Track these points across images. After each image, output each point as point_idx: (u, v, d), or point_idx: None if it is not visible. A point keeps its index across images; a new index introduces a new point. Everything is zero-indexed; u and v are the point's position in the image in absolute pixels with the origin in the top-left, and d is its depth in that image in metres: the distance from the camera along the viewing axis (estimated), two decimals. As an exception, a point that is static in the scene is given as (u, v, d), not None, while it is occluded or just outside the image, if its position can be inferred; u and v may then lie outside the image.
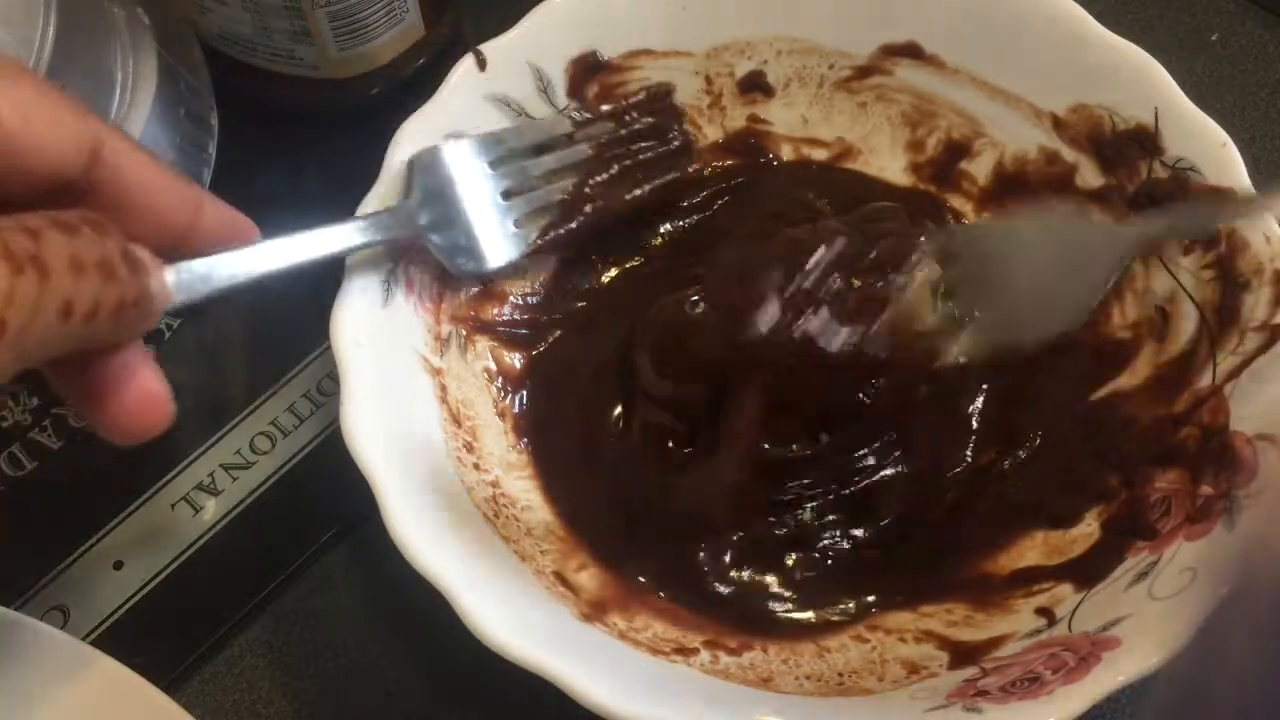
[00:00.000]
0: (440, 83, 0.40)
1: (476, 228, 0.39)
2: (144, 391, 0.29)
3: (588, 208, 0.41)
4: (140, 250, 0.28)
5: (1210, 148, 0.38)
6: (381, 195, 0.38)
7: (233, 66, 0.44)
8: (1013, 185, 0.43)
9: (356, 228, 0.36)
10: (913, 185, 0.44)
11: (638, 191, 0.42)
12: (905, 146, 0.44)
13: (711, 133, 0.44)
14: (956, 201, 0.44)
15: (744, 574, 0.38)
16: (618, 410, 0.40)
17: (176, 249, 0.30)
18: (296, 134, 0.46)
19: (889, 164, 0.44)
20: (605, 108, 0.42)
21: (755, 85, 0.44)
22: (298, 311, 0.42)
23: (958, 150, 0.43)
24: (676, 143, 0.43)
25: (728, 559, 0.38)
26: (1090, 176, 0.41)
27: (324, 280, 0.37)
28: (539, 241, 0.40)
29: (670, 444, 0.39)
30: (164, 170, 0.29)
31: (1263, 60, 0.50)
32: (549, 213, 0.40)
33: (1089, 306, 0.39)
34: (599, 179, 0.41)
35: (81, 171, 0.27)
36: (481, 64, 0.40)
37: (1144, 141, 0.39)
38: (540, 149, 0.41)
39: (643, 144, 0.42)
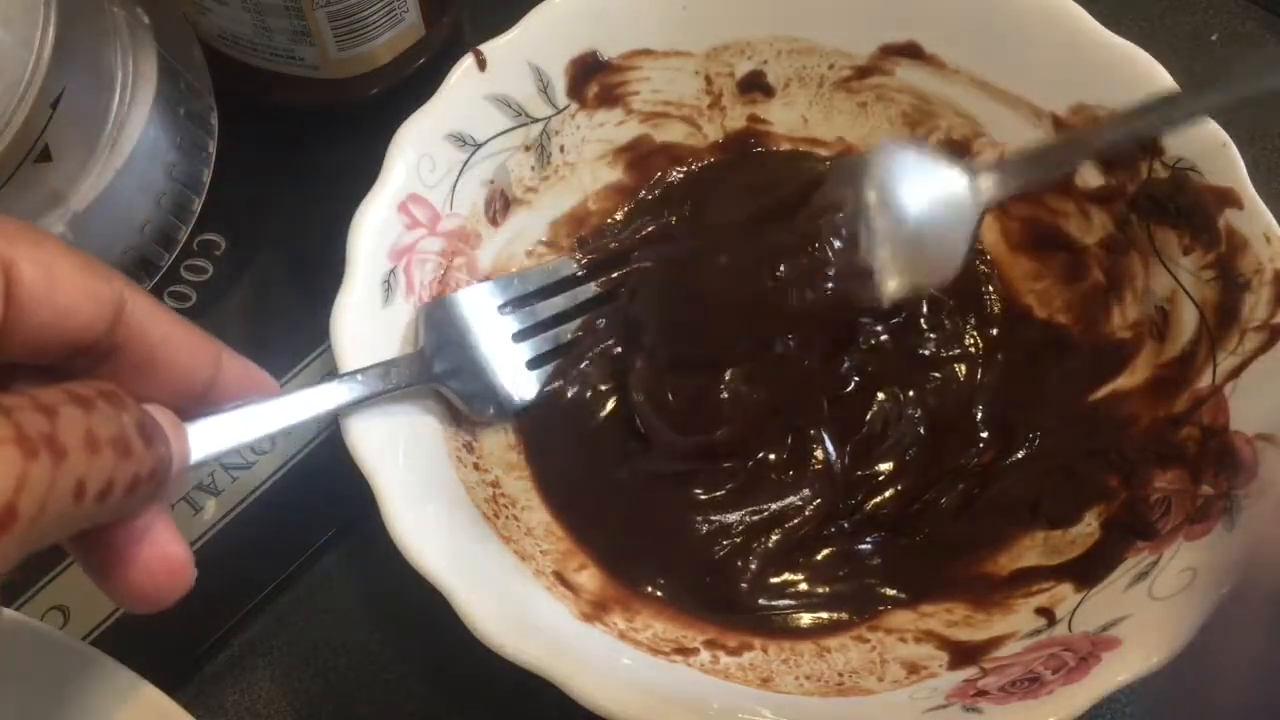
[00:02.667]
0: (440, 83, 0.40)
1: (491, 373, 0.39)
2: (161, 556, 0.26)
3: (600, 347, 0.41)
4: (160, 413, 0.26)
5: (1210, 148, 0.38)
6: (377, 198, 0.38)
7: (233, 66, 0.44)
8: (1012, 185, 0.43)
9: (375, 376, 0.35)
10: (913, 185, 0.44)
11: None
12: (905, 146, 0.44)
13: (711, 133, 0.44)
14: (956, 201, 0.44)
15: (778, 579, 0.38)
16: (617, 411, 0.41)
17: (195, 404, 0.29)
18: (296, 134, 0.46)
19: (889, 164, 0.44)
20: (613, 245, 0.42)
21: (755, 85, 0.44)
22: (298, 311, 0.42)
23: (958, 150, 0.43)
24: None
25: (769, 565, 0.38)
26: (1090, 176, 0.41)
27: (324, 280, 0.37)
28: (552, 386, 0.40)
29: (692, 487, 0.39)
30: (185, 325, 0.28)
31: (1263, 60, 0.50)
32: (560, 353, 0.40)
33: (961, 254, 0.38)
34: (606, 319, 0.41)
35: (104, 332, 0.26)
36: (481, 64, 0.40)
37: (1144, 142, 0.39)
38: (549, 290, 0.41)
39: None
